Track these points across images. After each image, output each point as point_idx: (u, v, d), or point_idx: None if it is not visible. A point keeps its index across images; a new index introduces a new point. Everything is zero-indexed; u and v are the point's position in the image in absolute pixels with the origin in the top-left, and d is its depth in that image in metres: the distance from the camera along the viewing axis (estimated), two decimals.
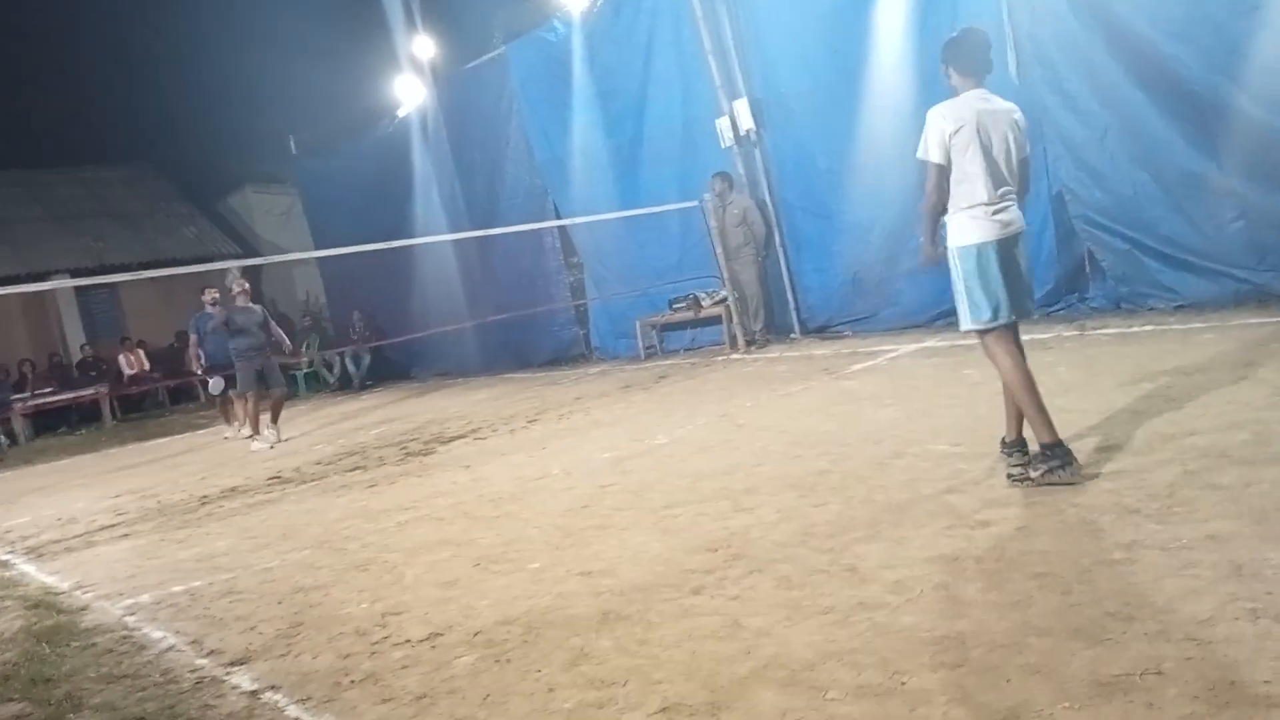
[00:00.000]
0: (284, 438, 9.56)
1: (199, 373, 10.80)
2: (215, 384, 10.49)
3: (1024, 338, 6.87)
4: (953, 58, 3.81)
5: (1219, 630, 2.27)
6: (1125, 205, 7.06)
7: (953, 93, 3.81)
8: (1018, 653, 2.34)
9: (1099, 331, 6.72)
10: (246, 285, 9.65)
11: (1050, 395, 4.96)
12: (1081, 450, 3.92)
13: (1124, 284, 7.20)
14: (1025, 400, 3.68)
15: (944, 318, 8.38)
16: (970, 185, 3.67)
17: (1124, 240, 7.13)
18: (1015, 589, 2.71)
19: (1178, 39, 6.51)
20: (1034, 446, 3.70)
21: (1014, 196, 3.76)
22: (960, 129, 3.65)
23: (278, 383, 9.65)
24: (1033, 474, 3.63)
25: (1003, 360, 3.74)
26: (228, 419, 11.03)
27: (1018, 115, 3.81)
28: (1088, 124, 7.13)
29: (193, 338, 10.32)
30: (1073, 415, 4.52)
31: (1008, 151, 3.72)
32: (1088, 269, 7.54)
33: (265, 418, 9.59)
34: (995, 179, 3.68)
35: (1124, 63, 6.83)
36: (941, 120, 3.69)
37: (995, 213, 3.69)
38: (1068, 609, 2.53)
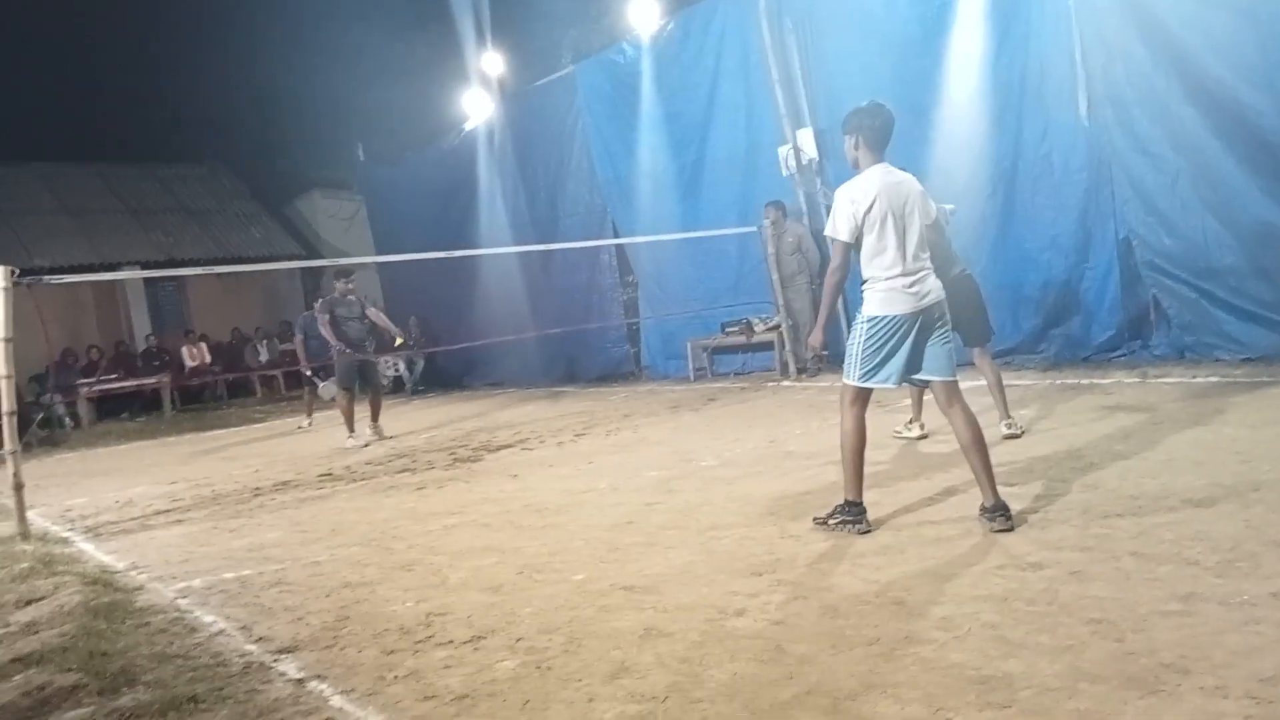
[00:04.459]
0: (371, 436, 9.39)
1: (308, 372, 11.66)
2: (326, 389, 11.30)
3: (1083, 381, 6.83)
4: (859, 129, 3.98)
5: None
6: (1195, 253, 6.91)
7: (855, 167, 4.04)
8: (1068, 698, 2.30)
9: (1161, 380, 6.58)
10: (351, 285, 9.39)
11: (1110, 441, 4.92)
12: (1141, 498, 3.86)
13: (1189, 333, 7.04)
14: (852, 460, 3.94)
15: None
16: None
17: (1192, 288, 6.97)
18: (1067, 633, 2.66)
19: (1257, 87, 6.39)
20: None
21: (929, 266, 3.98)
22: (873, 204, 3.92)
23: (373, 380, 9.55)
24: (830, 521, 3.96)
25: (855, 420, 3.94)
26: (309, 411, 12.01)
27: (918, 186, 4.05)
28: (1159, 168, 7.01)
29: (299, 337, 11.24)
30: (1131, 461, 4.44)
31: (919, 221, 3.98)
32: (1152, 316, 7.38)
33: (365, 416, 9.47)
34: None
35: (1199, 107, 6.71)
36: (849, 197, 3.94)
37: (910, 285, 3.93)
38: (1122, 657, 2.48)
